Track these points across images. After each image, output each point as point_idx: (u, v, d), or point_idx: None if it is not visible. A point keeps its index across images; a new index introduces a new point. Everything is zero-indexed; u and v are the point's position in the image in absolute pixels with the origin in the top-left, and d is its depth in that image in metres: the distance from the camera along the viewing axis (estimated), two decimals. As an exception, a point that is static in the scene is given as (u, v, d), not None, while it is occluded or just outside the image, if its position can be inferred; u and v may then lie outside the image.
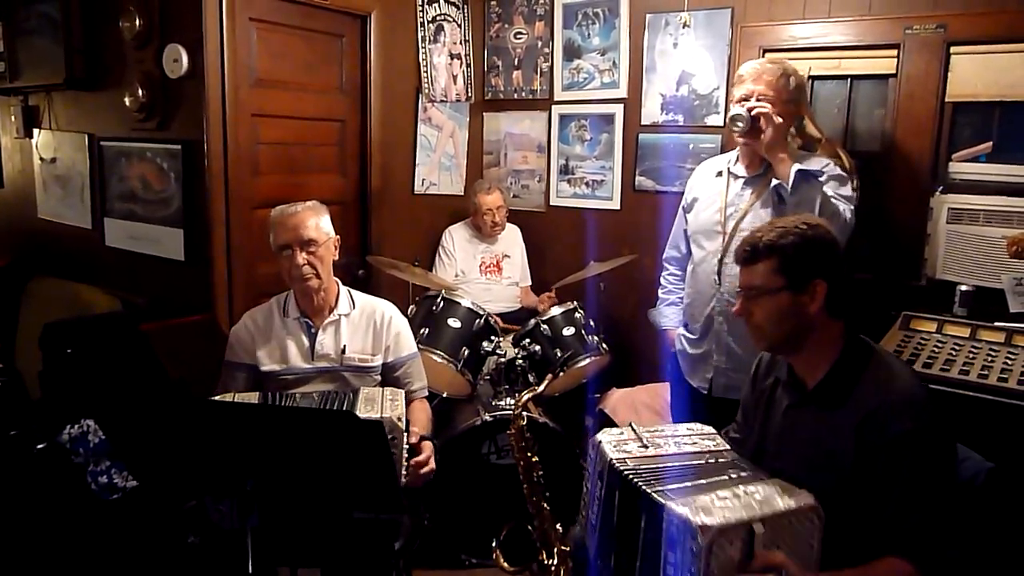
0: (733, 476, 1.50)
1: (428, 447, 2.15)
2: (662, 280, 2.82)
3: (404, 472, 2.00)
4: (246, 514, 1.63)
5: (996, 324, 2.50)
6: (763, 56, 3.29)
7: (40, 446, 2.51)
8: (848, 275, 1.65)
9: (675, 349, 2.68)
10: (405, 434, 1.99)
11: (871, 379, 1.57)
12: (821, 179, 2.27)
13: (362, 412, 1.91)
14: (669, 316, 2.74)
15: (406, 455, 2.01)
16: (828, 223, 1.73)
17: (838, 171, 2.36)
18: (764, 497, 1.39)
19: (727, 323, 2.41)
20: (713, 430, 1.77)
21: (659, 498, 1.40)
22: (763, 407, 1.79)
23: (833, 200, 2.22)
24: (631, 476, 1.49)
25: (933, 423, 1.49)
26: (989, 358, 2.33)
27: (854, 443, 1.52)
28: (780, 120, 2.27)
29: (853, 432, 1.53)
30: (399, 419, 1.94)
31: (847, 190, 2.33)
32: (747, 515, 1.32)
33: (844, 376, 1.60)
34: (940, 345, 2.45)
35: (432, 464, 2.13)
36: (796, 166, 2.25)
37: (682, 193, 2.70)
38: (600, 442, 1.66)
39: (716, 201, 2.48)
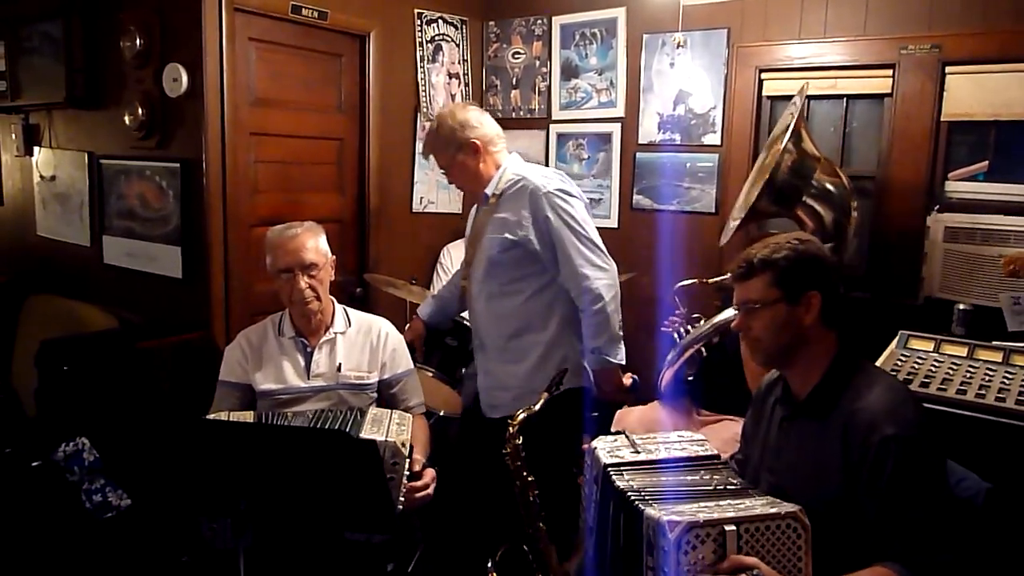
0: (719, 488, 1.51)
1: (429, 474, 2.12)
2: None
3: (402, 498, 1.96)
4: (239, 533, 1.62)
5: (994, 343, 2.49)
6: (758, 76, 3.33)
7: (35, 464, 2.50)
8: (840, 286, 1.69)
9: None
10: (408, 460, 1.96)
11: (856, 387, 1.59)
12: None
13: (367, 433, 1.88)
14: None
15: (406, 480, 1.98)
16: None
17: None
18: (745, 505, 1.40)
19: (478, 339, 2.62)
20: (703, 437, 1.80)
21: (641, 506, 1.41)
22: (764, 426, 1.81)
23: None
24: (627, 492, 1.49)
25: (917, 430, 1.50)
26: (987, 377, 2.32)
27: (840, 450, 1.54)
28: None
29: (839, 440, 1.55)
30: (403, 444, 1.91)
31: None
32: (719, 515, 1.33)
33: (833, 384, 1.62)
34: (938, 364, 2.44)
35: (430, 491, 2.09)
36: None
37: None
38: (595, 448, 1.70)
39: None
